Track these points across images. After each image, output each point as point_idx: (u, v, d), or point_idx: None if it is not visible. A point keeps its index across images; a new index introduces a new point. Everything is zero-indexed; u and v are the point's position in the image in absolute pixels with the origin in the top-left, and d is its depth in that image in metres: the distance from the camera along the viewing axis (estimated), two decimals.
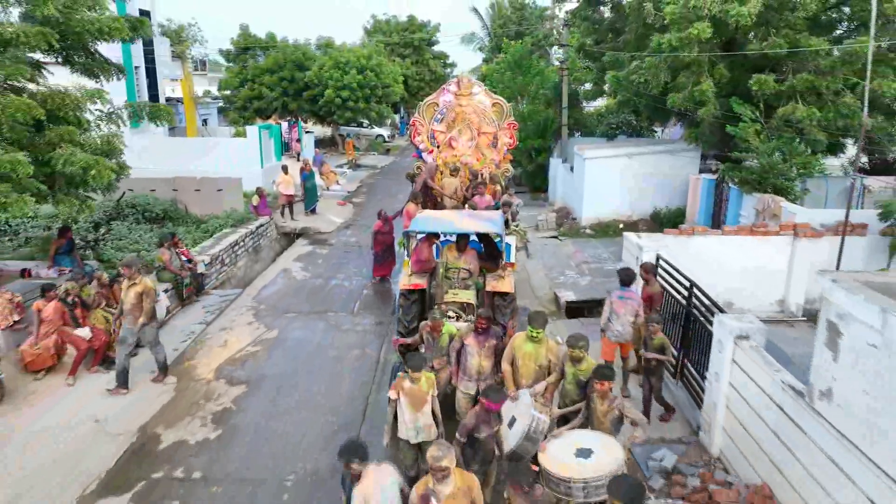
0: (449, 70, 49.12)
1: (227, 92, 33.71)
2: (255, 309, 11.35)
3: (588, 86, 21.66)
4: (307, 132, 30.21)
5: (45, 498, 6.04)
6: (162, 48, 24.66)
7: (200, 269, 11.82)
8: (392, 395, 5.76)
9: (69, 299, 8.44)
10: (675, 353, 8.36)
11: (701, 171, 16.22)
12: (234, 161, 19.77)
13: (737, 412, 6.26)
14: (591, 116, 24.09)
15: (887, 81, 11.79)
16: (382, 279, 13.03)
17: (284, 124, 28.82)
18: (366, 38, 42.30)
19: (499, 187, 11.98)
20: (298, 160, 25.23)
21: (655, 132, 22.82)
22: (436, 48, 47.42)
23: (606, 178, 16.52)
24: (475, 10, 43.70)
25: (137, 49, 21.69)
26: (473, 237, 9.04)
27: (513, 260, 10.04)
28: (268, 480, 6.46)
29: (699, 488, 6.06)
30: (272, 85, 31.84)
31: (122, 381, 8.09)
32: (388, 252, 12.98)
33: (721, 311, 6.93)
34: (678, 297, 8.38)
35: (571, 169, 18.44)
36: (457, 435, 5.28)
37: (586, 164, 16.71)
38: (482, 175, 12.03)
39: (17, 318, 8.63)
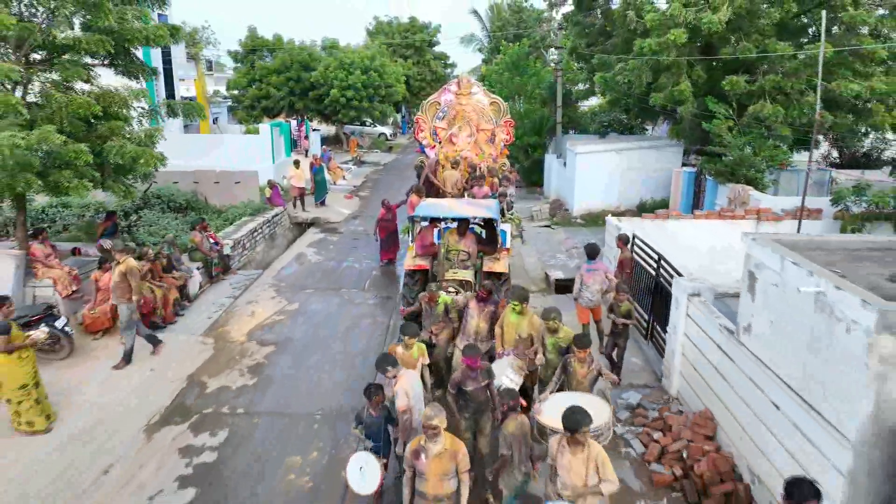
0: (449, 70, 50.40)
1: (236, 91, 35.02)
2: (277, 286, 12.65)
3: (581, 86, 22.90)
4: (314, 130, 31.43)
5: (119, 425, 7.34)
6: (177, 50, 25.90)
7: (226, 251, 13.11)
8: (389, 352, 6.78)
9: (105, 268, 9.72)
10: (646, 317, 9.67)
11: (684, 165, 17.50)
12: (248, 156, 20.91)
13: (689, 357, 7.56)
14: (585, 115, 25.40)
15: (845, 82, 13.09)
16: (389, 262, 14.30)
17: (294, 122, 30.04)
18: (369, 40, 43.47)
19: (495, 179, 13.21)
20: (306, 156, 26.53)
21: (647, 129, 24.09)
22: (436, 49, 48.76)
23: (596, 171, 17.81)
24: (475, 12, 44.98)
25: (155, 51, 22.95)
26: (474, 223, 10.25)
27: (508, 245, 11.11)
28: (300, 415, 7.76)
29: (657, 418, 7.37)
30: (279, 85, 33.13)
31: (153, 343, 9.18)
32: (392, 238, 14.23)
33: (680, 275, 8.22)
34: (649, 269, 9.67)
35: (564, 164, 19.72)
36: (448, 388, 6.26)
37: (577, 159, 17.99)
38: (480, 168, 13.26)
39: (75, 287, 9.93)
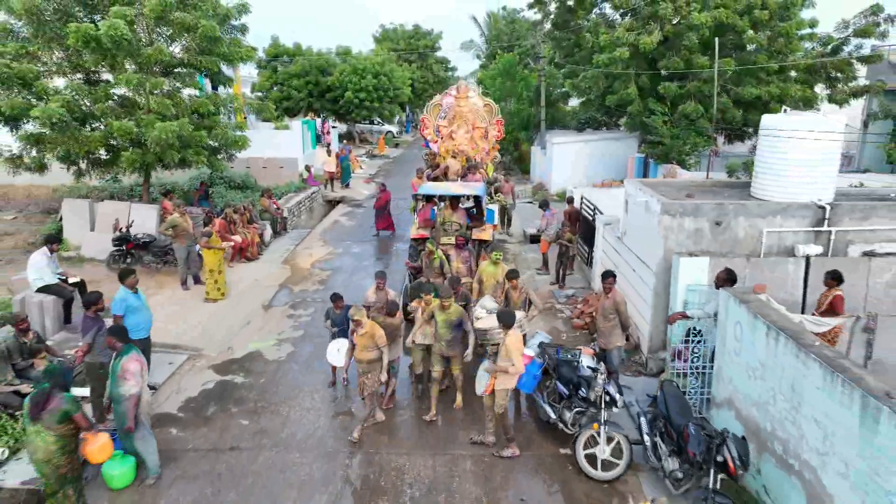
0: (450, 73, 54.92)
1: (260, 93, 39.37)
2: (323, 239, 17.08)
3: (559, 90, 27.27)
4: (333, 127, 35.75)
5: (246, 304, 11.74)
6: None
7: (285, 213, 17.52)
8: (414, 304, 8.73)
9: (227, 219, 14.13)
10: (588, 249, 14.06)
11: (639, 153, 21.87)
12: (283, 148, 25.19)
13: (603, 263, 11.96)
14: (567, 114, 29.80)
15: (748, 88, 17.48)
16: (384, 230, 17.58)
17: (319, 120, 34.32)
18: (377, 47, 47.67)
19: (484, 170, 16.88)
20: (328, 149, 30.90)
21: (619, 126, 28.44)
22: (438, 54, 53.21)
23: (568, 158, 22.21)
24: (474, 19, 49.44)
25: None
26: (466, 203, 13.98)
27: (495, 222, 13.94)
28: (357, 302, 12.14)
29: (583, 299, 11.77)
30: (299, 87, 37.49)
31: (186, 281, 12.49)
32: (383, 211, 17.48)
33: (600, 213, 12.62)
34: (589, 217, 14.06)
35: (545, 153, 24.11)
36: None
37: (554, 149, 22.42)
38: (475, 160, 16.99)
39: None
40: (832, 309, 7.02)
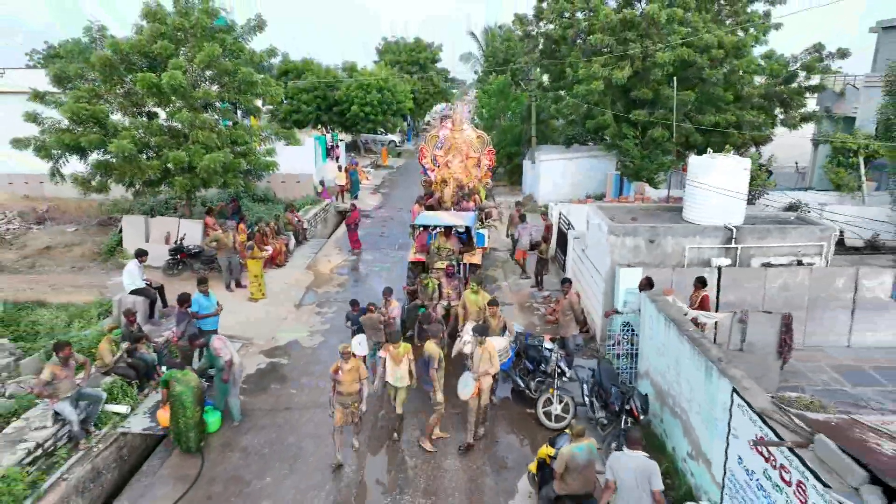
0: (449, 84, 57.59)
1: (271, 107, 41.97)
2: (339, 246, 19.72)
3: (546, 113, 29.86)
4: (341, 141, 38.39)
5: (281, 304, 14.36)
6: None
7: (305, 225, 20.17)
8: (382, 354, 9.02)
9: (260, 232, 16.74)
10: (563, 257, 16.68)
11: (616, 170, 24.48)
12: (297, 162, 27.77)
13: (573, 269, 14.58)
14: (556, 130, 32.41)
15: (707, 116, 20.11)
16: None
17: (329, 135, 36.92)
18: (382, 62, 50.25)
19: (478, 196, 18.98)
20: (337, 162, 33.51)
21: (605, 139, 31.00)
22: (438, 65, 55.89)
23: (555, 173, 24.84)
24: (472, 34, 52.04)
25: None
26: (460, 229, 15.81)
27: (486, 245, 15.38)
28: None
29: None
30: (308, 101, 40.10)
31: (229, 285, 15.30)
32: (354, 228, 19.47)
33: (573, 227, 15.27)
34: (565, 230, 16.68)
35: (535, 167, 26.73)
36: (424, 325, 11.60)
37: (541, 165, 25.06)
38: (468, 187, 18.98)
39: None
40: (701, 306, 9.64)
